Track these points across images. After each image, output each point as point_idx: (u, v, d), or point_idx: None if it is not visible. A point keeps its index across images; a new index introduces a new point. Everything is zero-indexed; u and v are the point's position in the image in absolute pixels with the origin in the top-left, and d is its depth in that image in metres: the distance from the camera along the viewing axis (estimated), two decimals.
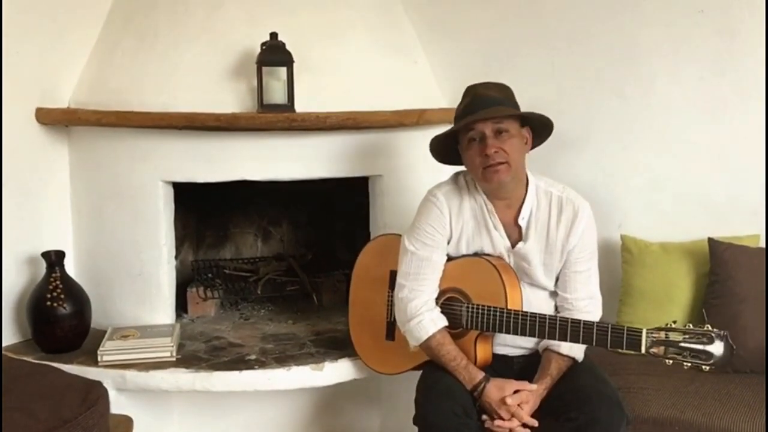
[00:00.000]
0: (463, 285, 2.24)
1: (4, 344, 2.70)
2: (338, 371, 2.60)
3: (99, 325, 2.75)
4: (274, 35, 2.61)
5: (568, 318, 2.09)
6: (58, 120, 2.77)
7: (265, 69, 2.59)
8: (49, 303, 2.59)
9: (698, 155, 2.72)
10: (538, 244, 2.21)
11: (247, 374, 2.51)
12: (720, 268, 2.48)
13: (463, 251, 2.27)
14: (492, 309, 2.16)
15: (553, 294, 2.27)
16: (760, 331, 2.36)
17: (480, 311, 2.18)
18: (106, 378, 2.42)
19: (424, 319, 2.22)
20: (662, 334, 1.94)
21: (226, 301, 3.15)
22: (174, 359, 2.58)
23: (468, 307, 2.21)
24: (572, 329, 2.05)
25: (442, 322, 2.23)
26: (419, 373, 2.29)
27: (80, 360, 2.57)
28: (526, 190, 2.23)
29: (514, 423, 2.08)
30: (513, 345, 2.26)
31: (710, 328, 1.91)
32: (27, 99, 2.72)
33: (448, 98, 2.94)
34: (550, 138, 2.29)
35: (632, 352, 2.00)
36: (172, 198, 2.81)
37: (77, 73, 2.84)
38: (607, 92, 2.80)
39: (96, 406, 2.07)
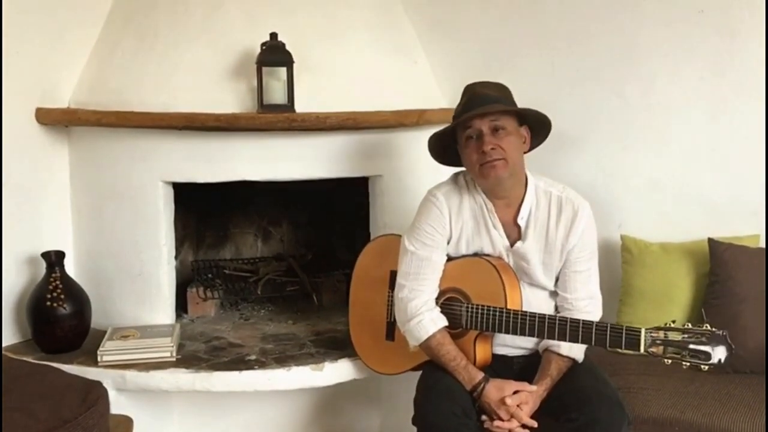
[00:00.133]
0: (462, 285, 2.24)
1: (4, 344, 2.70)
2: (338, 371, 2.60)
3: (99, 325, 2.75)
4: (274, 35, 2.61)
5: (567, 318, 2.09)
6: (58, 120, 2.77)
7: (265, 69, 2.59)
8: (49, 303, 2.59)
9: (698, 155, 2.72)
10: (537, 244, 2.21)
11: (247, 374, 2.51)
12: (720, 268, 2.48)
13: (463, 251, 2.27)
14: (491, 309, 2.16)
15: (553, 294, 2.27)
16: (760, 331, 2.36)
17: (479, 311, 2.18)
18: (106, 378, 2.42)
19: (423, 319, 2.22)
20: (661, 334, 1.94)
21: (226, 301, 3.15)
22: (174, 359, 2.58)
23: (467, 307, 2.21)
24: (571, 329, 2.05)
25: (442, 322, 2.23)
26: (419, 373, 2.29)
27: (80, 360, 2.57)
28: (526, 190, 2.23)
29: (513, 424, 2.08)
30: (513, 345, 2.26)
31: (709, 327, 1.91)
32: (27, 99, 2.72)
33: (448, 98, 2.94)
34: (549, 138, 2.29)
35: (632, 352, 2.00)
36: (172, 198, 2.81)
37: (77, 73, 2.84)
38: (607, 92, 2.80)
39: (96, 406, 2.07)
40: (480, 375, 2.15)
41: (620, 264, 2.72)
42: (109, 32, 2.85)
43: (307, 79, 2.66)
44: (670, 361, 1.93)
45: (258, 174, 2.72)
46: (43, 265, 2.65)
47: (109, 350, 2.56)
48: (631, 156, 2.80)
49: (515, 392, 2.10)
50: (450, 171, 2.37)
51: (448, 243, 2.27)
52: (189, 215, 3.16)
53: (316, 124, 2.60)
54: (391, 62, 2.92)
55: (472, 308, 2.20)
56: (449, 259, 2.28)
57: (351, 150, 2.77)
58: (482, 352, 2.23)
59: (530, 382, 2.15)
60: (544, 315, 2.10)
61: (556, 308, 2.26)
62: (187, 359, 2.60)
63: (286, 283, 3.17)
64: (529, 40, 2.88)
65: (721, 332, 1.89)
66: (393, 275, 2.38)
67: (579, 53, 2.81)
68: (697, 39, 2.65)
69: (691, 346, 1.89)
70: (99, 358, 2.54)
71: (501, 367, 2.25)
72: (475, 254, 2.26)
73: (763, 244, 2.59)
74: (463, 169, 2.29)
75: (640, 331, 1.95)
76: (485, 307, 2.17)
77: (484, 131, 2.13)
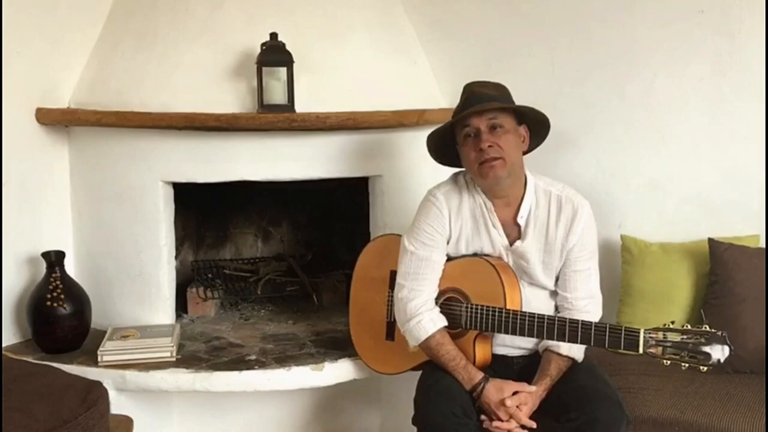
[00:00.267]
0: (462, 285, 2.24)
1: (4, 344, 2.70)
2: (338, 371, 2.60)
3: (99, 325, 2.75)
4: (274, 35, 2.61)
5: (566, 318, 2.09)
6: (58, 120, 2.77)
7: (265, 69, 2.59)
8: (49, 303, 2.59)
9: (698, 155, 2.72)
10: (536, 243, 2.21)
11: (247, 374, 2.51)
12: (720, 268, 2.48)
13: (463, 251, 2.27)
14: (491, 309, 2.16)
15: (554, 293, 2.27)
16: (760, 331, 2.36)
17: (479, 311, 2.18)
18: (106, 378, 2.42)
19: (423, 319, 2.22)
20: (660, 335, 1.94)
21: (226, 301, 3.15)
22: (174, 359, 2.58)
23: (467, 307, 2.21)
24: (570, 329, 2.05)
25: (442, 322, 2.23)
26: (419, 373, 2.29)
27: (80, 360, 2.57)
28: (525, 189, 2.23)
29: (513, 424, 2.08)
30: (512, 345, 2.26)
31: (708, 328, 1.90)
32: (27, 99, 2.72)
33: (448, 98, 2.94)
34: (549, 138, 2.29)
35: (631, 353, 2.00)
36: (172, 198, 2.81)
37: (77, 73, 2.84)
38: (607, 92, 2.79)
39: (96, 407, 2.07)
40: (479, 375, 2.15)
41: (620, 264, 2.72)
42: (109, 32, 2.85)
43: (307, 79, 2.67)
44: (669, 362, 1.93)
45: (258, 174, 2.72)
46: (43, 265, 2.65)
47: (109, 350, 2.56)
48: (631, 156, 2.80)
49: (515, 393, 2.10)
50: (449, 171, 2.37)
51: (448, 243, 2.27)
52: (189, 215, 3.16)
53: (316, 124, 2.60)
54: (391, 62, 2.92)
55: (471, 308, 2.20)
56: (449, 259, 2.28)
57: (351, 150, 2.77)
58: (482, 352, 2.23)
59: (530, 382, 2.15)
60: (543, 315, 2.10)
61: (556, 308, 2.26)
62: (187, 359, 2.60)
63: (286, 283, 3.17)
64: (529, 40, 2.88)
65: (720, 333, 1.89)
66: (393, 275, 2.38)
67: (579, 53, 2.81)
68: (697, 39, 2.65)
69: (691, 347, 1.89)
70: (99, 358, 2.54)
71: (501, 367, 2.25)
72: (475, 254, 2.26)
73: (763, 244, 2.59)
74: (462, 169, 2.29)
75: (638, 332, 1.95)
76: (485, 307, 2.17)
77: (481, 129, 2.13)
